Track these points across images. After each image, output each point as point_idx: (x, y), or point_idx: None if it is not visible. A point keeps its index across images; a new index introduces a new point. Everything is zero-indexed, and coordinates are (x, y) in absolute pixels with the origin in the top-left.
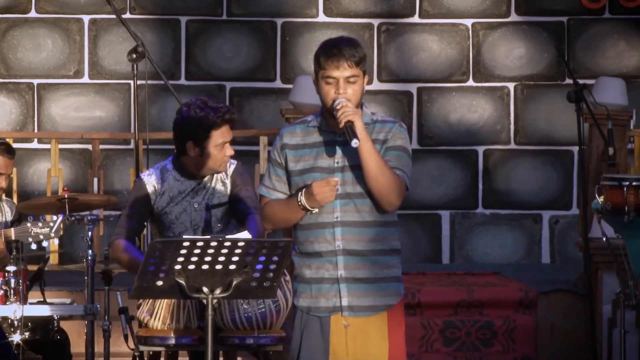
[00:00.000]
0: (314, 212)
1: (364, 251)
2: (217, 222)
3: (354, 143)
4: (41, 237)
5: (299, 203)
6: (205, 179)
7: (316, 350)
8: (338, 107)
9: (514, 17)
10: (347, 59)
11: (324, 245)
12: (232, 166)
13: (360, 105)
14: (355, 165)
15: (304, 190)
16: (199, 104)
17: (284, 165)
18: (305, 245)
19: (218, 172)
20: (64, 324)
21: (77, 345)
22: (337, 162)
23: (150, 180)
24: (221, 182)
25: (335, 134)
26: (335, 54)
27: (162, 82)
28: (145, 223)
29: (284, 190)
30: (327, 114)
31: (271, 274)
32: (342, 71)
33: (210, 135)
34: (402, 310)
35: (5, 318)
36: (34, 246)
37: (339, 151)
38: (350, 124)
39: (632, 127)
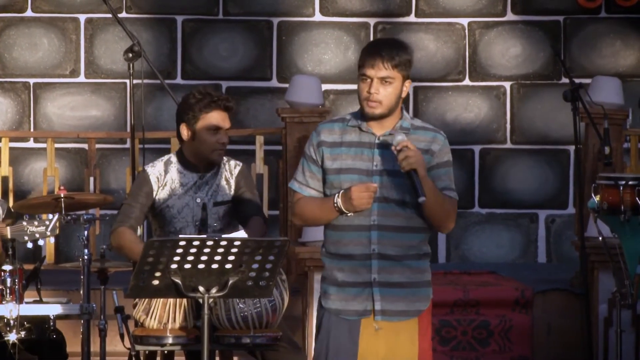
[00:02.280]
0: (348, 215)
1: (398, 256)
2: (217, 220)
3: (421, 200)
4: (37, 235)
5: (335, 205)
6: (209, 174)
7: (344, 354)
8: (399, 147)
9: (510, 17)
10: (384, 59)
11: (358, 248)
12: (237, 168)
13: (400, 110)
14: (395, 171)
15: (341, 192)
16: (200, 90)
17: (319, 163)
18: (337, 246)
19: (213, 161)
20: (59, 324)
21: (73, 345)
22: (376, 165)
23: (154, 172)
24: (225, 180)
25: (374, 135)
26: (372, 53)
27: (158, 81)
28: (146, 214)
29: (317, 187)
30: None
31: (267, 274)
32: (377, 71)
33: (202, 117)
34: (430, 314)
35: (1, 317)
36: (29, 244)
37: (377, 154)
38: (414, 173)
39: (628, 126)
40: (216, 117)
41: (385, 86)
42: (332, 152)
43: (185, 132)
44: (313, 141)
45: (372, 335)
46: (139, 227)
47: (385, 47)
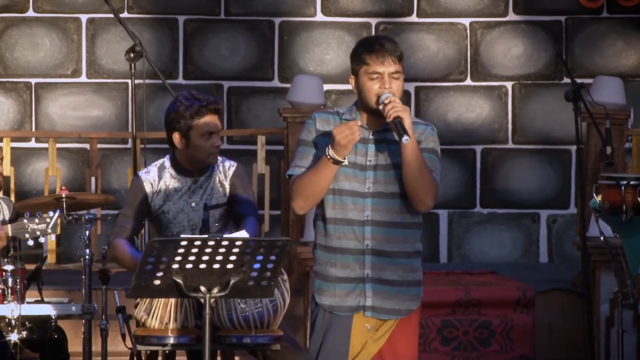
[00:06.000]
0: (344, 163)
1: (391, 252)
2: (214, 222)
3: (405, 139)
4: (38, 233)
5: (328, 156)
6: (202, 178)
7: (336, 351)
8: (386, 101)
9: (511, 17)
10: (391, 54)
11: (352, 242)
12: (232, 168)
13: None
14: (388, 165)
15: (329, 145)
16: (186, 95)
17: (316, 146)
18: (331, 239)
19: (209, 165)
20: (61, 323)
21: (75, 345)
22: (370, 160)
23: (148, 178)
24: (219, 183)
25: (369, 130)
26: (379, 50)
27: (160, 81)
28: (144, 222)
29: None
30: (363, 110)
31: (268, 273)
32: (387, 66)
33: (194, 125)
34: (419, 313)
35: (2, 317)
36: (30, 242)
37: (371, 149)
38: (399, 120)
39: (629, 126)
40: (209, 122)
41: (395, 81)
42: (327, 143)
43: (178, 140)
44: (310, 127)
45: (363, 333)
46: (136, 237)
47: (386, 41)
